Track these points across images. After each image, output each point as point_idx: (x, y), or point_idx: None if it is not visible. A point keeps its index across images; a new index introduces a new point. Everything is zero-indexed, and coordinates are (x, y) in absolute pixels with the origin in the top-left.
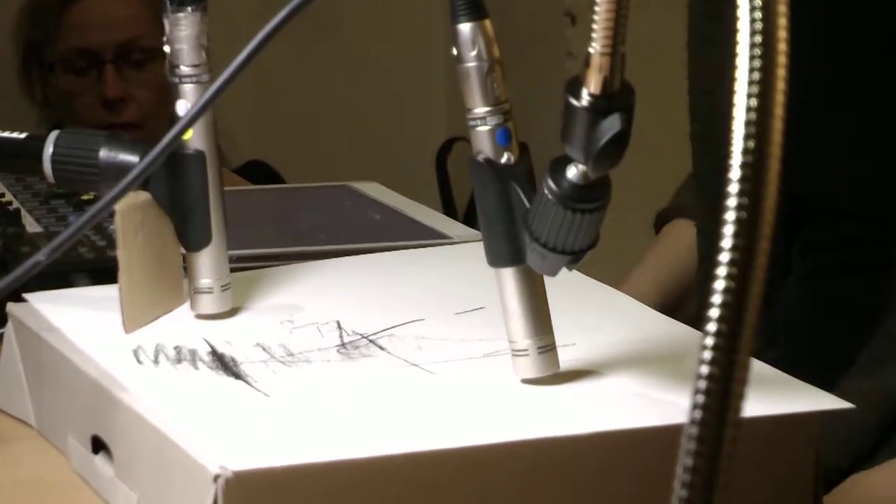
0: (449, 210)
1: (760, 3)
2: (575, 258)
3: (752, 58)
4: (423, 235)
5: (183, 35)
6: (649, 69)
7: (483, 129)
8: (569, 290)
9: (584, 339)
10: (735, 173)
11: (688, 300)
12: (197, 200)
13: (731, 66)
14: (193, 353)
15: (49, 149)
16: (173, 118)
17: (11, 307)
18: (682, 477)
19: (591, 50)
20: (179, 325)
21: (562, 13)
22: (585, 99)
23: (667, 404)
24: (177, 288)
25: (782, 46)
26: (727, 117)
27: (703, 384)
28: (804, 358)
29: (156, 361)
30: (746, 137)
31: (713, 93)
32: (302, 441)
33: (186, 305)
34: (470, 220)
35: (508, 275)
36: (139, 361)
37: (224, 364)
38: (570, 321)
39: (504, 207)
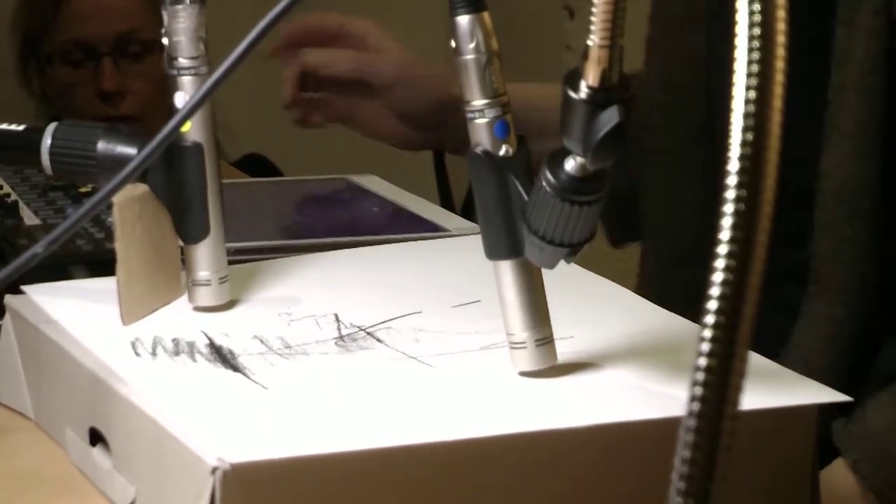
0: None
1: None
2: (573, 251)
3: (750, 50)
4: (420, 228)
5: (181, 27)
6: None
7: (481, 121)
8: (567, 282)
9: (581, 332)
10: (733, 165)
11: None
12: (195, 193)
13: (729, 60)
14: (191, 345)
15: (47, 141)
16: (171, 110)
17: (9, 299)
18: (680, 469)
19: (589, 42)
20: (177, 318)
21: (560, 6)
22: (584, 91)
23: (665, 397)
24: (175, 280)
25: (781, 39)
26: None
27: (701, 376)
28: None
29: (154, 354)
30: (745, 130)
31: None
32: (300, 433)
33: (184, 298)
34: (468, 212)
35: (506, 267)
36: (137, 354)
37: (222, 356)
38: (567, 314)
39: (502, 200)
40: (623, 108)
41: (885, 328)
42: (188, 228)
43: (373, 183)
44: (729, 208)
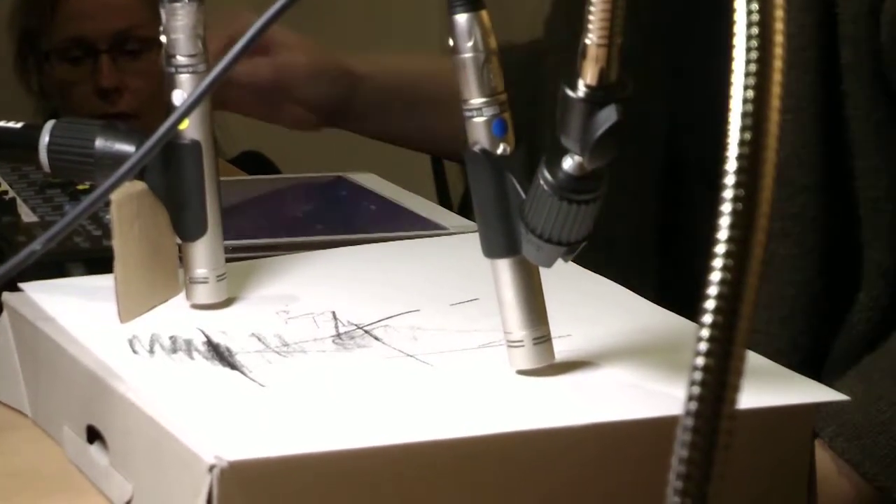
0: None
1: None
2: (570, 249)
3: (748, 49)
4: (418, 226)
5: (179, 25)
6: None
7: (479, 119)
8: (564, 281)
9: (579, 331)
10: (731, 165)
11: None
12: (193, 190)
13: (728, 59)
14: (189, 343)
15: (45, 138)
16: (169, 108)
17: (7, 296)
18: (677, 468)
19: (587, 41)
20: (175, 315)
21: None
22: (581, 90)
23: (662, 395)
24: (172, 278)
25: (779, 38)
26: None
27: (698, 375)
28: None
29: (151, 351)
30: (743, 129)
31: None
32: (297, 431)
33: (182, 295)
34: (465, 210)
35: (504, 266)
36: (134, 351)
37: (219, 354)
38: (565, 312)
39: (500, 198)
40: (621, 107)
41: (838, 306)
42: (186, 226)
43: (370, 181)
44: (727, 208)
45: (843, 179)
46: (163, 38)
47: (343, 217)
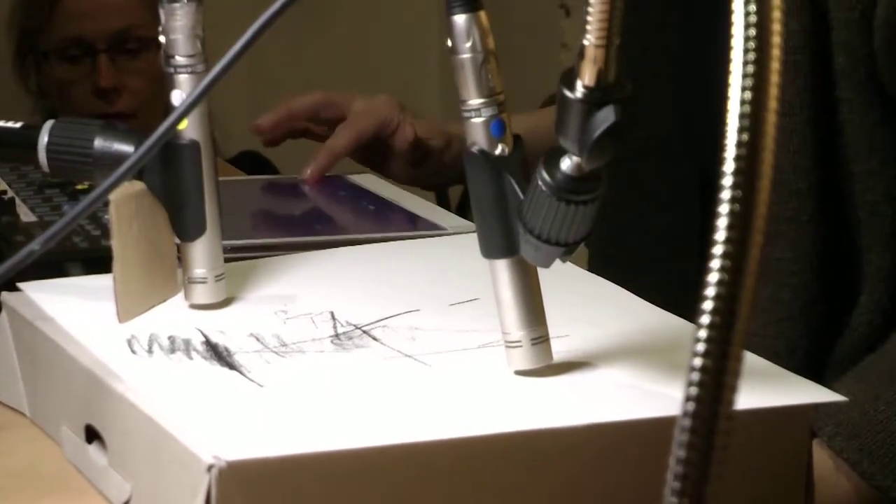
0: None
1: None
2: (568, 250)
3: (746, 51)
4: (417, 226)
5: (178, 25)
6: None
7: (477, 120)
8: (562, 281)
9: (577, 331)
10: (729, 166)
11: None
12: (191, 190)
13: (726, 60)
14: (187, 342)
15: (44, 138)
16: (168, 108)
17: (6, 296)
18: (675, 469)
19: (585, 42)
20: (173, 315)
21: (556, 4)
22: (580, 91)
23: (660, 396)
24: (171, 278)
25: (776, 40)
26: None
27: (696, 376)
28: None
29: (150, 351)
30: (740, 130)
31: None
32: (295, 431)
33: (180, 295)
34: (463, 210)
35: (502, 266)
36: (133, 351)
37: (218, 354)
38: (563, 313)
39: (498, 199)
40: (619, 108)
41: (835, 308)
42: (185, 226)
43: (369, 181)
44: (724, 209)
45: (838, 183)
46: (162, 39)
47: (341, 217)
